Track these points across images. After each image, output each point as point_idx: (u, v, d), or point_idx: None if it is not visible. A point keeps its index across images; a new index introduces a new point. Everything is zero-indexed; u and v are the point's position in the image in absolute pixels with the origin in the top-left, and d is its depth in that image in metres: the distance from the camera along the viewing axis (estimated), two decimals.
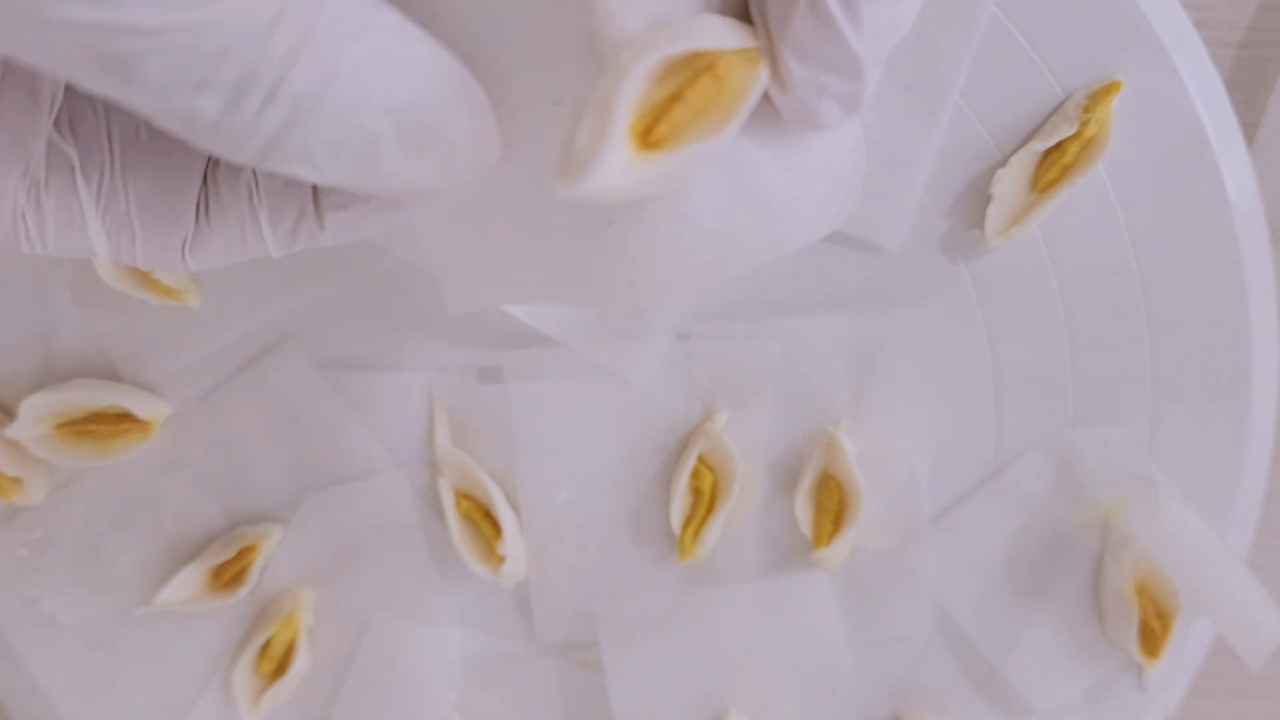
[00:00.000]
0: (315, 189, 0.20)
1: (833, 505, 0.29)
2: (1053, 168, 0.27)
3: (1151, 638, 0.29)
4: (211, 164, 0.20)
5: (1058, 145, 0.27)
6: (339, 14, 0.16)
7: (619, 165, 0.17)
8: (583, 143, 0.17)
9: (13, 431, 0.28)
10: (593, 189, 0.17)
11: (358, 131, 0.16)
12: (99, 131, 0.19)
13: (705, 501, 0.29)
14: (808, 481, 0.29)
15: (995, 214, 0.28)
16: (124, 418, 0.29)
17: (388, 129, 0.17)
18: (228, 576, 0.30)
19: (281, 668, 0.30)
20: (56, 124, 0.19)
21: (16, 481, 0.29)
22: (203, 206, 0.20)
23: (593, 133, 0.17)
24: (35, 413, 0.28)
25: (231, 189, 0.20)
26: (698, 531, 0.29)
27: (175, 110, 0.16)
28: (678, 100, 0.17)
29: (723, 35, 0.17)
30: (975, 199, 0.28)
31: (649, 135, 0.17)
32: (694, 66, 0.17)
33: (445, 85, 0.17)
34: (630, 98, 0.17)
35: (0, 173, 0.19)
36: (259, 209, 0.20)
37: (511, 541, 0.29)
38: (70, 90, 0.19)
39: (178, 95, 0.15)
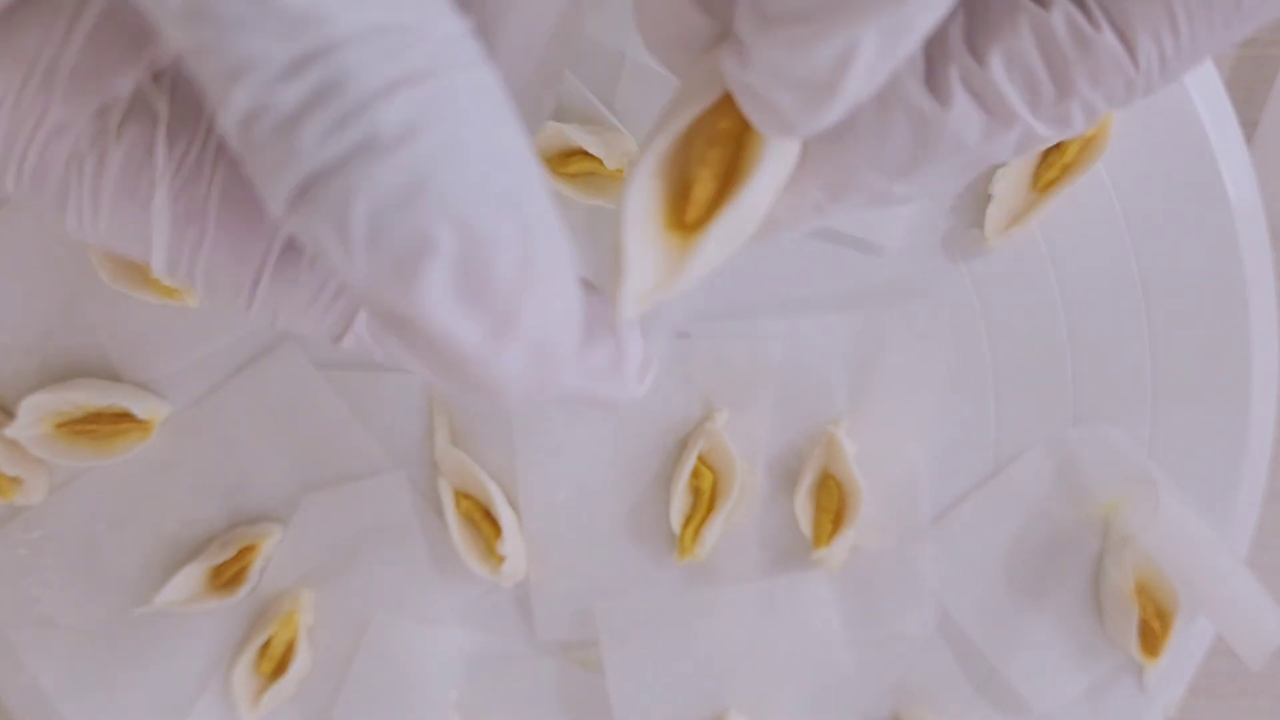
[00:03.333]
0: None
1: (833, 505, 0.29)
2: (1053, 167, 0.27)
3: (1151, 637, 0.29)
4: None
5: (1058, 145, 0.27)
6: (469, 85, 0.13)
7: (648, 277, 0.16)
8: (615, 271, 0.16)
9: (12, 431, 0.28)
10: (634, 309, 0.16)
11: (414, 225, 0.13)
12: (200, 102, 0.16)
13: (705, 501, 0.29)
14: (807, 481, 0.29)
15: (995, 214, 0.28)
16: (124, 417, 0.29)
17: (449, 246, 0.13)
18: (227, 576, 0.30)
19: (281, 668, 0.30)
20: (155, 79, 0.16)
21: (16, 481, 0.29)
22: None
23: (617, 260, 0.16)
24: (35, 412, 0.28)
25: None
26: (698, 531, 0.29)
27: (239, 89, 0.13)
28: (693, 178, 0.17)
29: (700, 90, 0.17)
30: (975, 199, 0.28)
31: (683, 220, 0.17)
32: (698, 137, 0.17)
33: (547, 244, 0.14)
34: (636, 211, 0.16)
35: (72, 101, 0.16)
36: None
37: (511, 541, 0.29)
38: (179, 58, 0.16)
39: (254, 72, 0.13)
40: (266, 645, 0.30)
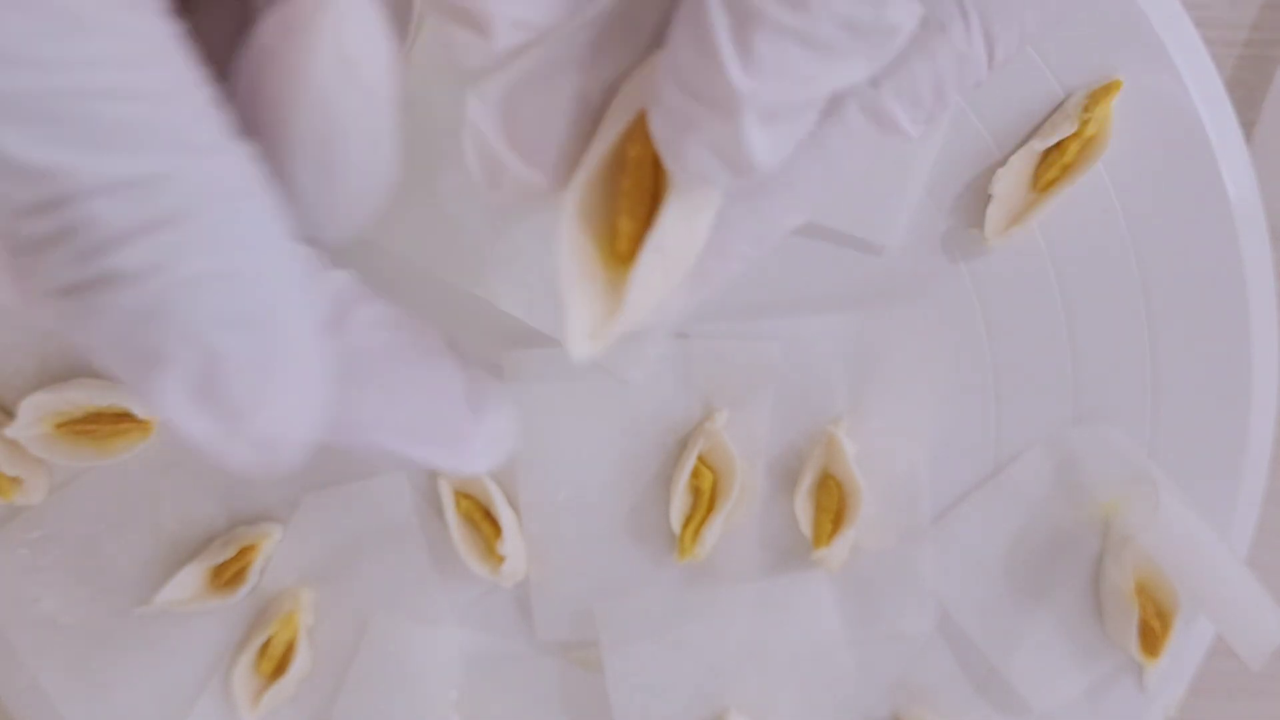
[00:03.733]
0: None
1: (833, 505, 0.29)
2: (1053, 167, 0.27)
3: (1151, 637, 0.29)
4: None
5: (1058, 144, 0.27)
6: (223, 220, 0.14)
7: (591, 315, 0.16)
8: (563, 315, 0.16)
9: (12, 431, 0.28)
10: (583, 349, 0.16)
11: (147, 342, 0.14)
12: None
13: (705, 501, 0.29)
14: (808, 481, 0.29)
15: (995, 213, 0.28)
16: (124, 417, 0.29)
17: (184, 360, 0.14)
18: (227, 576, 0.30)
19: (281, 667, 0.30)
20: None
21: (16, 481, 0.29)
22: None
23: (564, 300, 0.16)
24: (35, 412, 0.28)
25: None
26: (698, 531, 0.29)
27: None
28: (615, 209, 0.16)
29: (617, 119, 0.16)
30: (975, 198, 0.28)
31: (617, 249, 0.16)
32: (614, 165, 0.16)
33: (291, 360, 0.15)
34: (567, 249, 0.16)
35: None
36: None
37: (511, 541, 0.29)
38: None
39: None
40: (266, 645, 0.30)
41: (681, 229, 0.16)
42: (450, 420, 0.17)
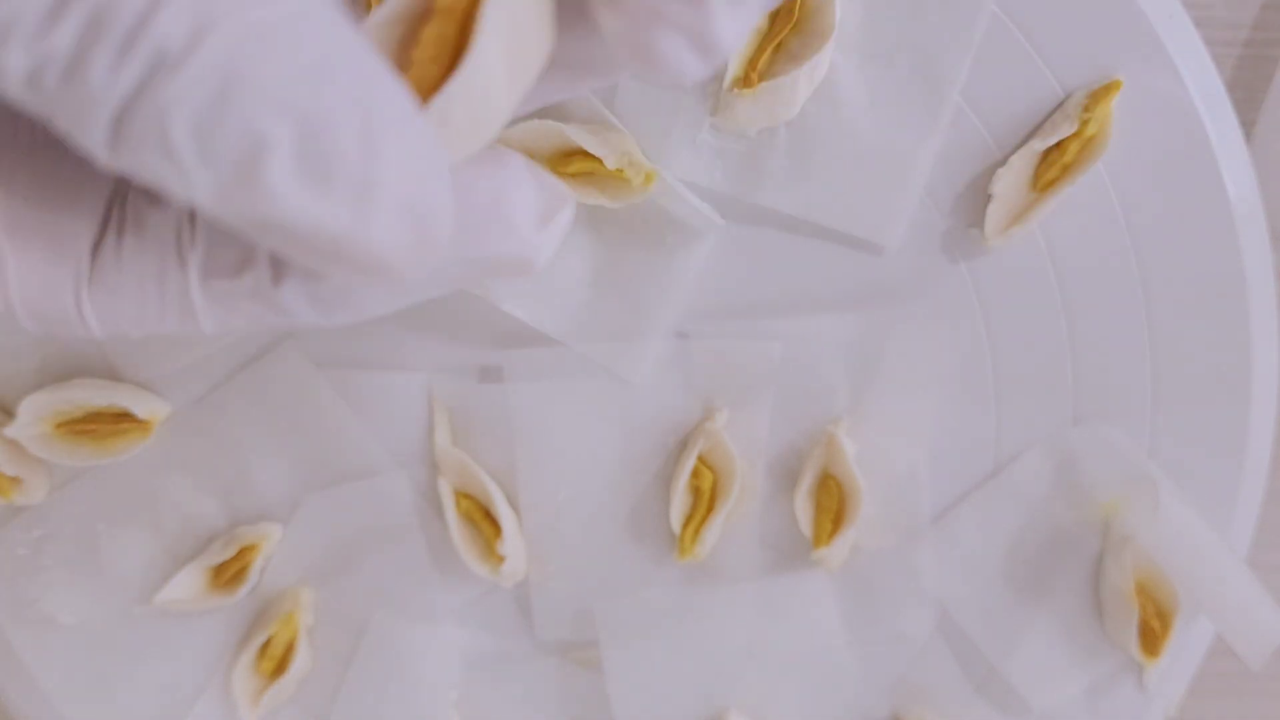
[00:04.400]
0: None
1: (833, 504, 0.29)
2: (1053, 167, 0.27)
3: (1151, 637, 0.29)
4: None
5: (1058, 144, 0.27)
6: None
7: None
8: None
9: (12, 431, 0.28)
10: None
11: (238, 125, 0.12)
12: None
13: (705, 501, 0.29)
14: (808, 481, 0.29)
15: (995, 213, 0.28)
16: (124, 417, 0.29)
17: (283, 136, 0.12)
18: (227, 576, 0.30)
19: (281, 667, 0.30)
20: None
21: (16, 481, 0.29)
22: (113, 233, 0.15)
23: None
24: (35, 412, 0.28)
25: (156, 214, 0.15)
26: (698, 531, 0.29)
27: (8, 52, 0.12)
28: (408, 60, 0.14)
29: None
30: (975, 198, 0.28)
31: (414, 74, 0.14)
32: (417, 8, 0.14)
33: (384, 106, 0.13)
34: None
35: None
36: (188, 249, 0.15)
37: (511, 541, 0.29)
38: None
39: (15, 28, 0.12)
40: (266, 645, 0.30)
41: (478, 97, 0.14)
42: (525, 220, 0.16)
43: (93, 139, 0.12)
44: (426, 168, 0.14)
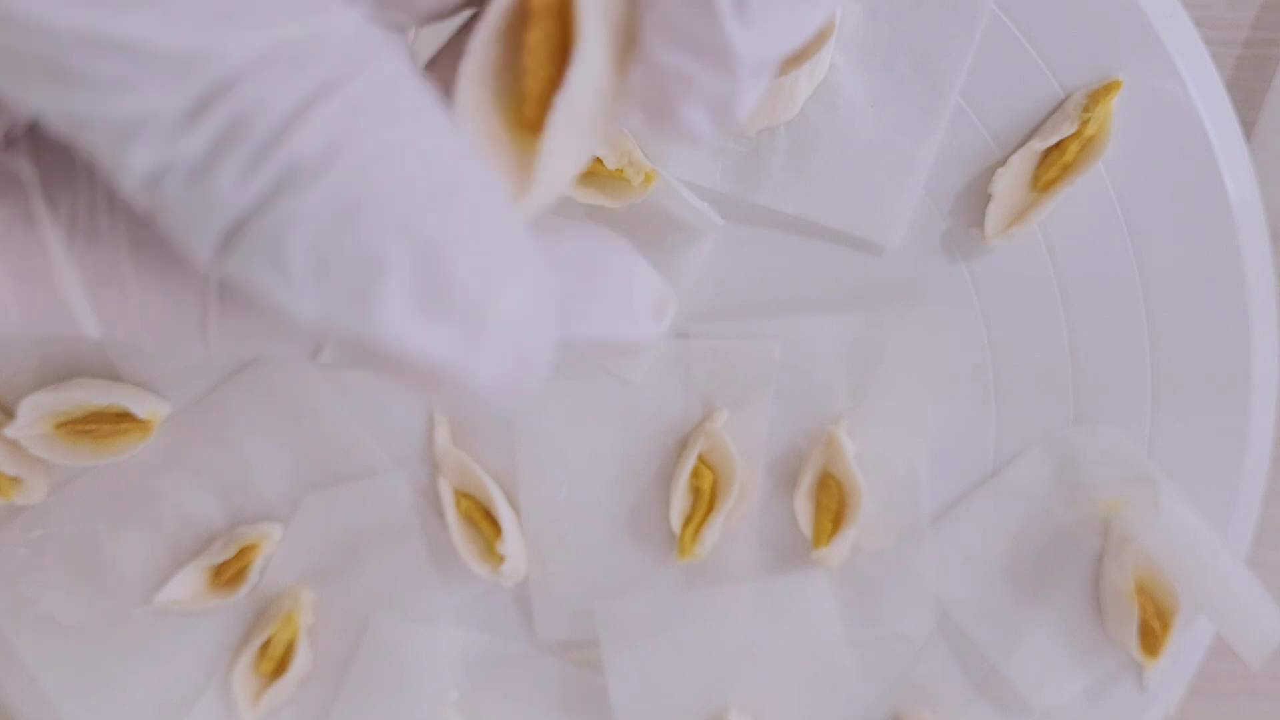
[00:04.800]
0: None
1: (832, 504, 0.29)
2: (1053, 167, 0.27)
3: (1151, 637, 0.29)
4: None
5: (1058, 144, 0.27)
6: (379, 84, 0.12)
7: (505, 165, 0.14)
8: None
9: (12, 431, 0.28)
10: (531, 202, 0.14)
11: (359, 248, 0.12)
12: (69, 155, 0.14)
13: (705, 501, 0.29)
14: (807, 481, 0.29)
15: (995, 213, 0.28)
16: (124, 417, 0.29)
17: (402, 262, 0.12)
18: (227, 576, 0.30)
19: (281, 667, 0.30)
20: (8, 144, 0.14)
21: (16, 481, 0.29)
22: None
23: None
24: (35, 412, 0.28)
25: None
26: (698, 531, 0.29)
27: (134, 151, 0.11)
28: (520, 70, 0.14)
29: None
30: (975, 198, 0.28)
31: (524, 116, 0.14)
32: (516, 17, 0.14)
33: (506, 238, 0.13)
34: (472, 119, 0.14)
35: None
36: None
37: (511, 541, 0.29)
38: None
39: (147, 129, 0.11)
40: (266, 645, 0.30)
41: (595, 88, 0.14)
42: (639, 307, 0.16)
43: (200, 244, 0.12)
44: (538, 308, 0.13)
